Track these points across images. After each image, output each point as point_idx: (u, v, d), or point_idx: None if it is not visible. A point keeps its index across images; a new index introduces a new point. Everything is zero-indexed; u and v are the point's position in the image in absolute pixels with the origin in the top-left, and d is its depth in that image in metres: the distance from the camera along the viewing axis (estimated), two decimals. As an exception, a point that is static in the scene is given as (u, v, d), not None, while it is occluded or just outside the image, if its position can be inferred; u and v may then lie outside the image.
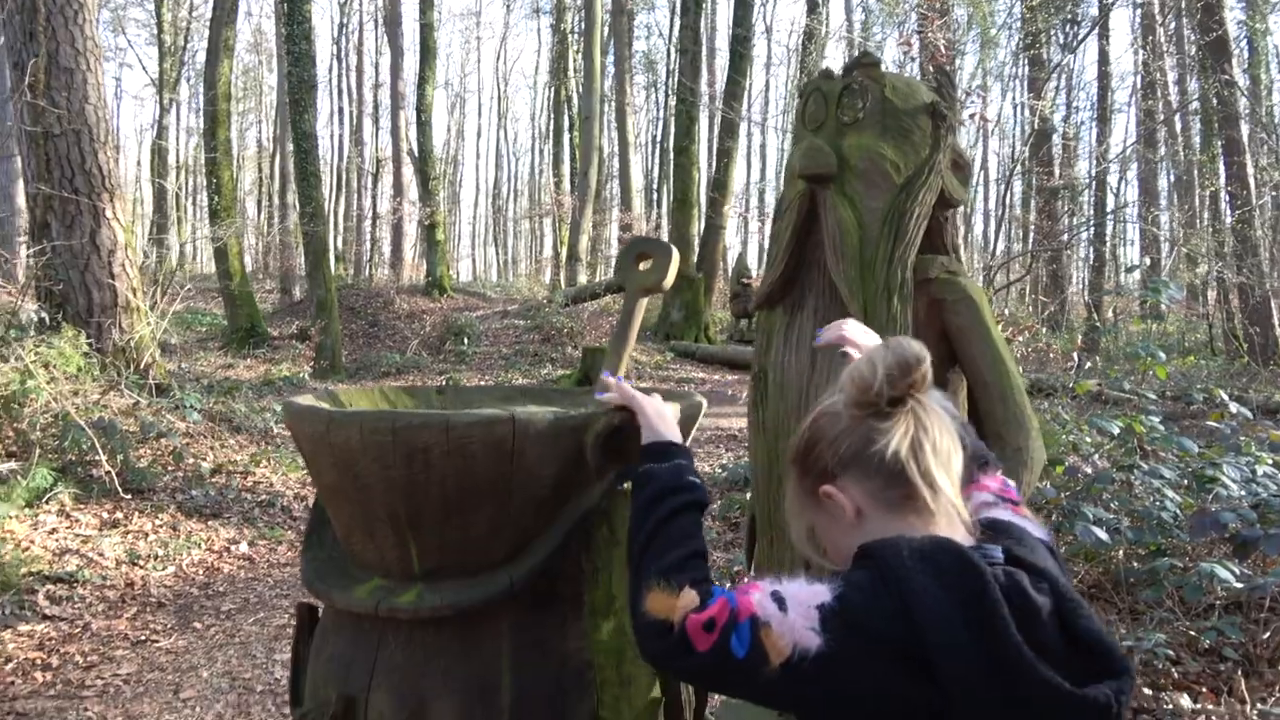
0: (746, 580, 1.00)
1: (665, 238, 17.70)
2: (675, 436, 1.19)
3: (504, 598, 1.24)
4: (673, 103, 23.28)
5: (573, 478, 1.26)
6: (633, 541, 1.08)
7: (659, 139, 30.04)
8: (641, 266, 1.65)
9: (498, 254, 39.88)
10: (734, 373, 12.63)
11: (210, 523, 5.33)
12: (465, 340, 13.85)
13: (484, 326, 14.92)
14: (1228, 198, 13.29)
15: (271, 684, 3.48)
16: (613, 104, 22.97)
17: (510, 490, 1.23)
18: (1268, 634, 3.30)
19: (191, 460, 6.21)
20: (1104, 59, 17.04)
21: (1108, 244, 17.50)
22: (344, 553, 1.40)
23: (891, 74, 2.00)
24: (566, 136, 23.52)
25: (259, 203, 34.47)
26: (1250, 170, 12.57)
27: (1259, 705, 3.00)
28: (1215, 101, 11.58)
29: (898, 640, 0.93)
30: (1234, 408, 4.89)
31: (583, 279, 20.31)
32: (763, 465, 2.09)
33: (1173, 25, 19.52)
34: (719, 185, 15.24)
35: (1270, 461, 4.18)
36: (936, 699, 0.92)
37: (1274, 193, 12.45)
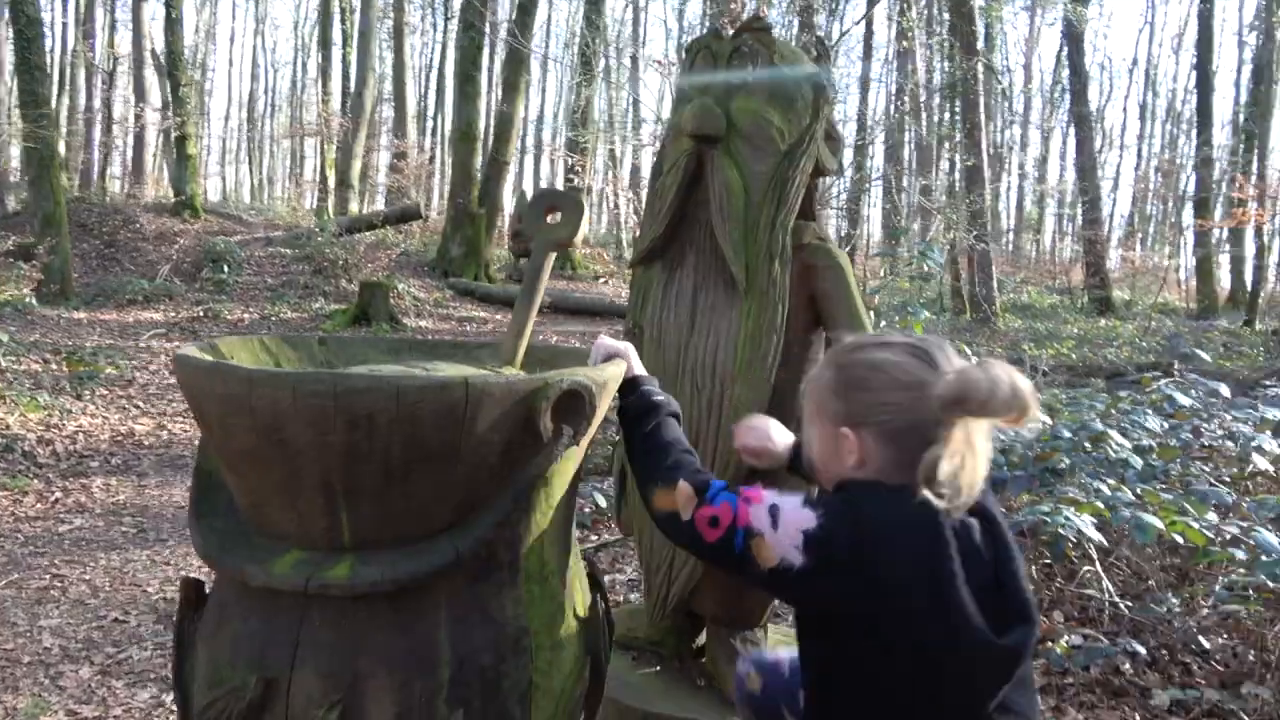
0: (754, 486, 1.22)
1: (449, 169, 17.09)
2: (638, 371, 1.45)
3: (450, 568, 1.19)
4: (453, 26, 22.31)
5: (522, 443, 1.22)
6: (632, 460, 1.33)
7: (436, 64, 28.76)
8: (549, 219, 1.61)
9: (251, 173, 36.71)
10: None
11: (-65, 471, 4.62)
12: (225, 268, 12.72)
13: (245, 254, 13.76)
14: (963, 170, 14.86)
15: (40, 654, 3.11)
16: (387, 22, 21.68)
17: (459, 458, 1.17)
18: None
19: (-99, 399, 5.32)
20: (868, 24, 18.27)
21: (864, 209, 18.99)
22: (245, 521, 1.28)
23: (780, 41, 2.05)
24: (337, 51, 21.90)
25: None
26: (984, 145, 14.12)
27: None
28: (957, 84, 12.86)
29: (856, 568, 1.10)
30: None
31: (354, 207, 19.21)
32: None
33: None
34: (504, 120, 14.87)
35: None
36: (884, 622, 1.11)
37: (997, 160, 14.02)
